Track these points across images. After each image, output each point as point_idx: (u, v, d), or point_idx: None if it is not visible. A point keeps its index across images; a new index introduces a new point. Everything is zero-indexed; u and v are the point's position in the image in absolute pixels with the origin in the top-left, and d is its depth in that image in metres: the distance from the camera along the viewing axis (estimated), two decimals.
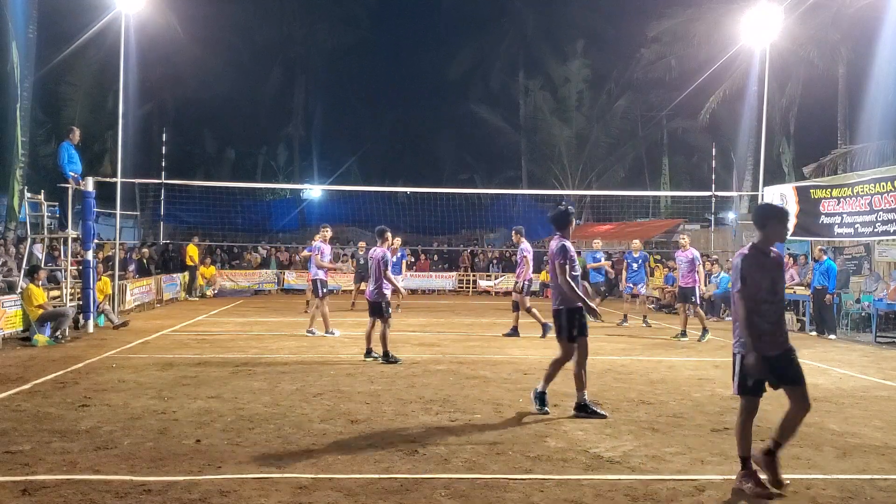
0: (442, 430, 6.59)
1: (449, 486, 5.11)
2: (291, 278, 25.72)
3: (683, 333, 13.85)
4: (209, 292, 23.87)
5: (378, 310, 10.58)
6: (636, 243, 17.25)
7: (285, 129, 43.53)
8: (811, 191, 16.54)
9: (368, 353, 10.64)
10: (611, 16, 37.69)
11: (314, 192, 37.59)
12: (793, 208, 16.70)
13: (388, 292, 10.65)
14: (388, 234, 10.94)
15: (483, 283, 27.19)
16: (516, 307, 13.96)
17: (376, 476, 5.27)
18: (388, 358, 10.39)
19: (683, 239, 14.29)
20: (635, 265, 16.68)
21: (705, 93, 28.18)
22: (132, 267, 20.90)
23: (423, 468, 5.49)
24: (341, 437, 6.35)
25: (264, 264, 26.91)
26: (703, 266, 15.60)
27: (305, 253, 15.13)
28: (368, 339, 10.71)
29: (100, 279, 15.20)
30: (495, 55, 40.74)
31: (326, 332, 13.34)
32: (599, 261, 18.11)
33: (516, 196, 34.45)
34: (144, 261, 22.43)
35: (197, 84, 35.60)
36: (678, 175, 37.79)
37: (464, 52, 41.40)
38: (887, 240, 16.79)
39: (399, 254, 18.14)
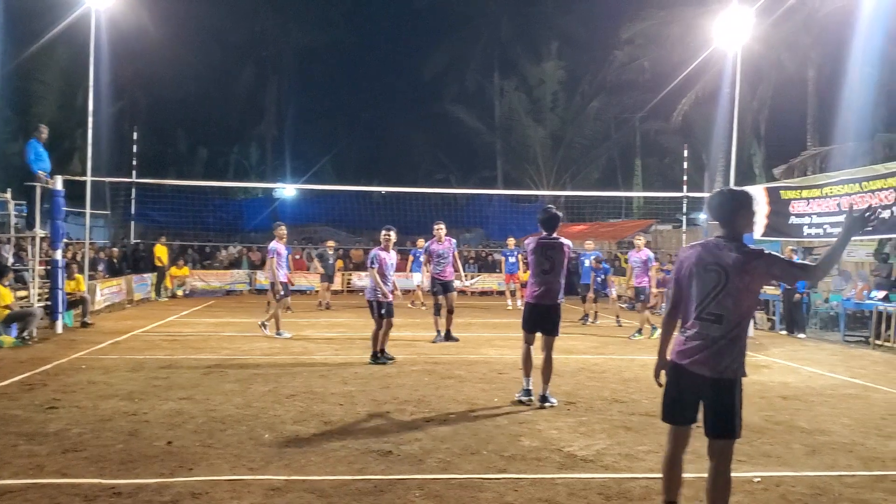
0: (416, 431, 6.58)
1: (423, 486, 5.10)
2: (264, 278, 25.52)
3: (640, 331, 14.08)
4: (180, 292, 23.63)
5: (370, 309, 10.51)
6: (589, 244, 17.66)
7: (258, 128, 43.30)
8: (781, 192, 16.74)
9: (379, 354, 10.43)
10: (585, 17, 37.94)
11: (287, 191, 37.39)
12: (763, 209, 16.90)
13: (381, 293, 10.40)
14: (383, 234, 10.74)
15: (458, 284, 27.13)
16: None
17: (350, 477, 5.25)
18: (376, 358, 10.31)
19: (638, 240, 14.50)
20: (587, 262, 16.95)
21: (678, 95, 28.43)
22: (101, 266, 20.63)
23: (397, 469, 5.47)
24: (314, 438, 6.31)
25: (236, 264, 26.70)
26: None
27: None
28: (375, 341, 10.51)
29: (73, 278, 15.02)
30: (470, 55, 40.83)
31: (277, 332, 13.18)
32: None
33: (492, 196, 34.56)
34: (115, 260, 22.15)
35: (169, 82, 35.25)
36: (651, 176, 38.10)
37: (439, 52, 41.43)
38: (855, 240, 17.06)
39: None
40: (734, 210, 4.25)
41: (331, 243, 21.05)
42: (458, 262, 13.64)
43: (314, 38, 42.91)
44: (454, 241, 13.43)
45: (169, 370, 9.55)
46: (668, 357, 4.28)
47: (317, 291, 20.70)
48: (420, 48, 43.02)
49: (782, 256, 4.47)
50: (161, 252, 22.60)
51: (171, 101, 36.50)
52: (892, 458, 6.04)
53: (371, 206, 30.18)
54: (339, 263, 23.42)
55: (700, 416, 4.20)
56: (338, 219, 32.94)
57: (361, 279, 25.34)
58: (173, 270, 23.63)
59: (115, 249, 23.58)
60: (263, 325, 13.36)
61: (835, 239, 4.24)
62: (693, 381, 4.10)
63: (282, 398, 7.90)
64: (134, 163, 23.12)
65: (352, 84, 48.11)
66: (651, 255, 14.22)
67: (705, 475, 4.22)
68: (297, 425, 6.74)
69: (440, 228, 13.06)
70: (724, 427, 4.10)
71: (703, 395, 4.12)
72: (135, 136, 23.48)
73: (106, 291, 18.08)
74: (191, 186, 27.24)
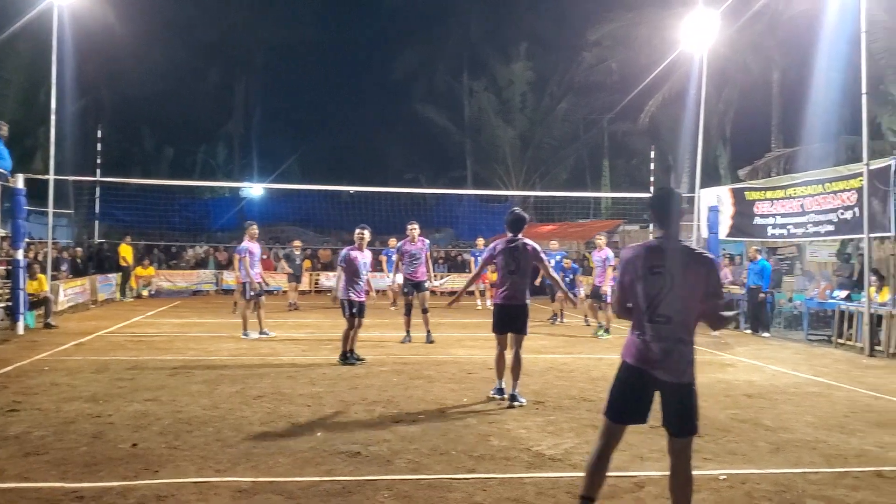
0: (385, 432, 6.56)
1: (392, 487, 5.08)
2: (230, 278, 25.31)
3: (606, 330, 14.14)
4: (145, 293, 23.34)
5: (342, 308, 10.44)
6: (554, 244, 17.77)
7: (225, 127, 42.85)
8: (746, 193, 16.98)
9: (348, 354, 10.34)
10: (553, 19, 38.08)
11: (254, 190, 37.06)
12: (728, 210, 17.15)
13: (353, 293, 10.34)
14: (357, 233, 10.63)
15: (427, 284, 27.10)
16: None
17: (318, 479, 5.22)
18: (345, 358, 10.23)
19: (599, 239, 14.61)
20: (552, 261, 17.02)
21: (645, 96, 28.66)
22: (65, 266, 20.30)
23: (365, 470, 5.45)
24: (282, 439, 6.26)
25: (202, 264, 26.43)
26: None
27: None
28: (345, 340, 10.41)
29: (35, 279, 14.76)
30: (440, 56, 40.78)
31: (244, 333, 13.05)
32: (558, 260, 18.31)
33: (462, 196, 34.58)
34: (78, 260, 21.81)
35: (135, 80, 34.67)
36: (618, 177, 38.39)
37: (408, 52, 41.33)
38: (818, 240, 17.37)
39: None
40: (677, 209, 4.29)
41: (297, 243, 20.90)
42: (430, 262, 13.62)
43: (283, 36, 42.55)
44: (427, 241, 13.41)
45: (134, 371, 9.42)
46: (623, 357, 4.27)
47: (284, 292, 20.56)
48: (389, 47, 42.91)
49: (720, 276, 4.52)
50: (126, 252, 22.31)
51: (136, 98, 35.92)
52: (855, 455, 6.14)
53: (339, 206, 29.99)
54: (307, 263, 23.29)
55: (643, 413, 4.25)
56: (306, 218, 32.73)
57: (329, 279, 25.24)
58: (139, 270, 23.34)
59: (79, 249, 23.22)
60: (265, 332, 13.21)
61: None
62: (655, 386, 4.13)
63: (249, 399, 7.83)
64: (98, 161, 22.77)
65: (320, 83, 47.79)
66: (610, 254, 14.31)
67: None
68: (264, 426, 6.68)
69: (413, 228, 13.03)
70: (688, 427, 4.15)
71: (664, 398, 4.14)
72: (99, 133, 23.14)
73: (69, 292, 17.79)
74: (157, 185, 26.92)
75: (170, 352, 11.30)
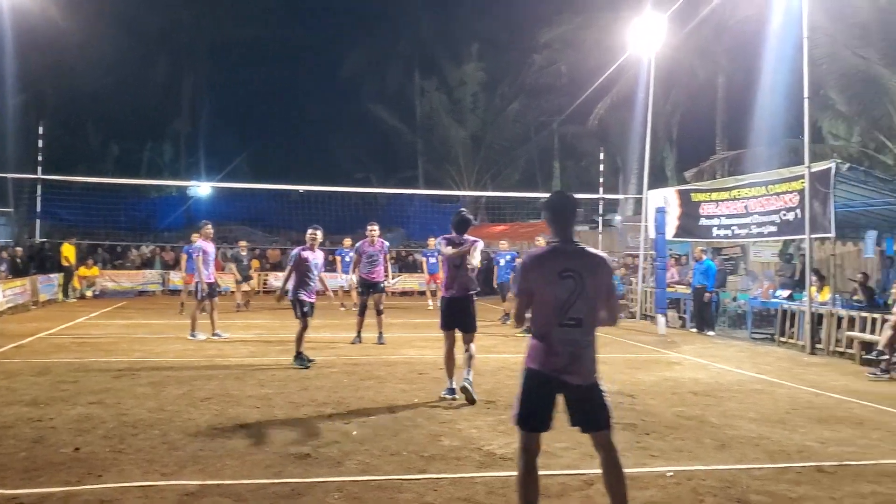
0: (335, 433, 6.51)
1: (342, 488, 5.05)
2: (177, 278, 24.88)
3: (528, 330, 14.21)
4: (89, 293, 22.81)
5: (293, 308, 10.32)
6: (503, 244, 17.92)
7: (172, 125, 42.10)
8: (692, 194, 17.29)
9: (301, 356, 10.17)
10: (504, 20, 38.30)
11: (202, 189, 36.50)
12: (675, 211, 17.44)
13: (304, 293, 10.23)
14: (309, 233, 10.48)
15: (383, 285, 26.99)
16: None
17: (267, 481, 5.16)
18: (298, 359, 10.12)
19: (539, 240, 14.44)
20: (502, 261, 17.19)
21: (594, 99, 29.03)
22: (3, 266, 19.72)
23: (315, 472, 5.40)
24: (230, 442, 6.17)
25: (148, 264, 25.92)
26: None
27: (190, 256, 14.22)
28: (298, 341, 10.25)
29: None
30: (391, 54, 40.69)
31: (191, 334, 12.86)
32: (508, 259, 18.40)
33: (413, 196, 34.54)
34: (18, 260, 21.20)
35: (79, 75, 33.81)
36: (569, 178, 38.75)
37: (359, 50, 41.14)
38: (761, 241, 17.78)
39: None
40: (574, 213, 4.31)
41: (243, 243, 20.62)
42: (388, 264, 13.57)
43: (231, 33, 41.92)
44: (387, 243, 13.37)
45: (78, 374, 9.19)
46: (528, 365, 4.22)
47: (233, 292, 20.27)
48: (340, 46, 42.68)
49: (613, 278, 4.60)
50: (68, 251, 21.75)
51: (80, 94, 35.03)
52: (796, 450, 6.30)
53: (289, 206, 29.72)
54: (256, 263, 22.98)
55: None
56: (254, 218, 32.40)
57: (278, 279, 24.97)
58: (82, 271, 22.79)
59: (19, 249, 22.56)
60: (217, 334, 13.00)
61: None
62: (562, 390, 4.13)
63: (196, 401, 7.70)
64: (39, 158, 22.17)
65: (270, 81, 47.16)
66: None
67: (630, 470, 4.28)
68: (212, 429, 6.58)
69: (373, 230, 12.97)
70: (606, 418, 4.18)
71: (573, 401, 4.15)
72: (40, 130, 22.52)
73: (8, 292, 17.28)
74: (101, 184, 26.33)
75: (115, 353, 11.05)
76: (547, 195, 4.54)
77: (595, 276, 4.13)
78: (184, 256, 18.75)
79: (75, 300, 21.55)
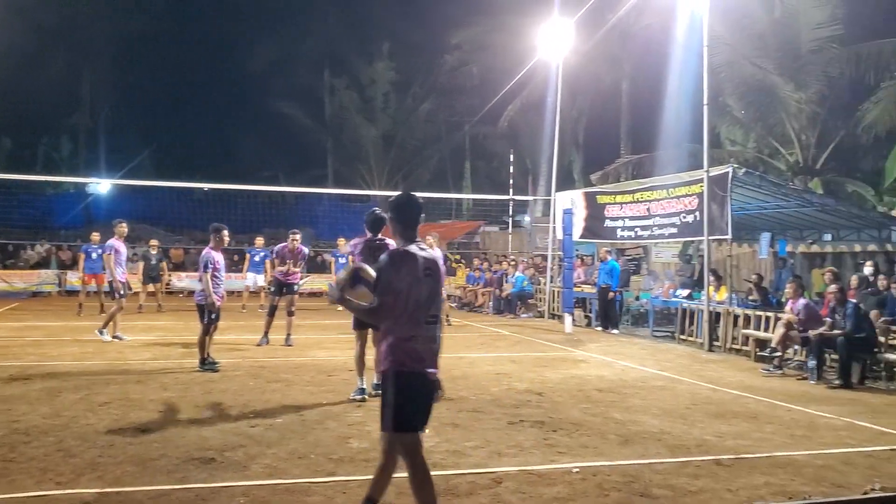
0: (241, 437, 6.36)
1: (248, 493, 4.94)
2: (75, 279, 23.83)
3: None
4: None
5: (200, 313, 9.92)
6: (341, 241, 18.24)
7: (70, 119, 40.28)
8: (597, 197, 17.71)
9: (207, 359, 9.85)
10: (416, 20, 38.31)
11: (102, 186, 35.08)
12: (581, 213, 17.83)
13: (216, 296, 9.85)
14: (219, 234, 10.09)
15: (296, 287, 26.59)
16: None
17: (169, 487, 5.00)
18: (204, 364, 9.81)
19: (429, 240, 14.45)
20: (342, 260, 17.39)
21: (505, 101, 29.39)
22: None
23: (220, 476, 5.26)
24: (131, 448, 5.95)
25: (44, 264, 24.75)
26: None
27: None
28: (202, 346, 9.89)
29: None
30: (300, 51, 40.04)
31: (100, 331, 12.40)
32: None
33: (322, 195, 34.10)
34: None
35: None
36: (479, 179, 39.14)
37: (267, 45, 40.18)
38: (662, 242, 18.38)
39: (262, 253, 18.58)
40: (420, 214, 4.40)
41: (154, 242, 19.93)
42: (302, 269, 13.36)
43: (133, 25, 40.36)
44: (306, 251, 13.17)
45: None
46: (400, 368, 4.13)
47: (136, 293, 19.55)
48: (247, 41, 41.51)
49: None
50: None
51: None
52: (696, 445, 6.52)
53: (193, 204, 28.84)
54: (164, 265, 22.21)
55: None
56: (157, 217, 31.29)
57: (181, 280, 24.28)
58: None
59: None
60: (101, 331, 12.45)
61: None
62: (433, 387, 4.21)
63: (95, 406, 7.39)
64: None
65: (173, 75, 45.58)
66: (440, 255, 14.37)
67: (537, 467, 4.36)
68: (111, 434, 6.32)
69: (296, 239, 12.83)
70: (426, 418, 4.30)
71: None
72: None
73: None
74: None
75: (6, 358, 10.47)
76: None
77: (441, 274, 4.31)
78: (81, 256, 18.02)
79: None
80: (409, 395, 4.10)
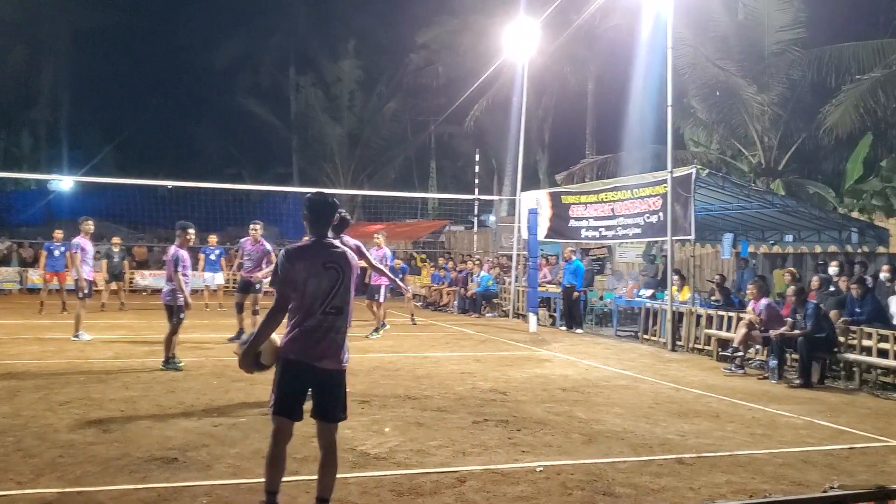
0: (204, 437, 6.30)
1: (210, 492, 4.91)
2: (36, 277, 23.37)
3: (376, 330, 13.69)
4: None
5: (168, 312, 9.76)
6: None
7: (30, 114, 39.45)
8: (562, 197, 17.83)
9: (171, 358, 9.69)
10: (382, 19, 38.25)
11: (64, 183, 34.47)
12: (546, 212, 17.93)
13: (181, 295, 9.69)
14: (187, 232, 9.92)
15: (259, 286, 26.35)
16: None
17: (131, 487, 4.95)
18: (168, 364, 9.66)
19: (378, 238, 14.35)
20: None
21: (470, 101, 29.38)
22: None
23: (182, 476, 5.22)
24: (92, 447, 5.87)
25: (4, 262, 24.23)
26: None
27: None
28: (168, 345, 9.73)
29: None
30: (265, 47, 39.70)
31: (76, 335, 12.19)
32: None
33: (287, 193, 33.85)
34: None
35: None
36: (445, 178, 39.17)
37: (231, 41, 39.78)
38: (626, 242, 18.57)
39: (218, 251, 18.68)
40: (333, 214, 4.69)
41: (116, 240, 19.64)
42: (267, 265, 13.21)
43: (95, 19, 39.68)
44: (268, 247, 12.98)
45: None
46: (286, 356, 4.39)
47: (99, 291, 19.22)
48: (211, 37, 40.89)
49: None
50: None
51: None
52: (658, 443, 6.60)
53: (156, 202, 28.43)
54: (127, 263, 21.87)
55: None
56: (119, 214, 30.81)
57: (145, 278, 23.94)
58: None
59: None
60: (76, 335, 12.21)
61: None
62: (314, 376, 4.38)
63: (55, 405, 7.27)
64: None
65: (136, 71, 44.91)
66: (389, 253, 14.32)
67: (501, 466, 4.38)
68: (72, 434, 6.24)
69: (256, 229, 12.66)
70: (342, 410, 4.49)
71: (322, 388, 4.42)
72: None
73: None
74: None
75: None
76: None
77: (350, 269, 4.48)
78: (43, 254, 17.71)
79: None
80: (287, 382, 4.37)
